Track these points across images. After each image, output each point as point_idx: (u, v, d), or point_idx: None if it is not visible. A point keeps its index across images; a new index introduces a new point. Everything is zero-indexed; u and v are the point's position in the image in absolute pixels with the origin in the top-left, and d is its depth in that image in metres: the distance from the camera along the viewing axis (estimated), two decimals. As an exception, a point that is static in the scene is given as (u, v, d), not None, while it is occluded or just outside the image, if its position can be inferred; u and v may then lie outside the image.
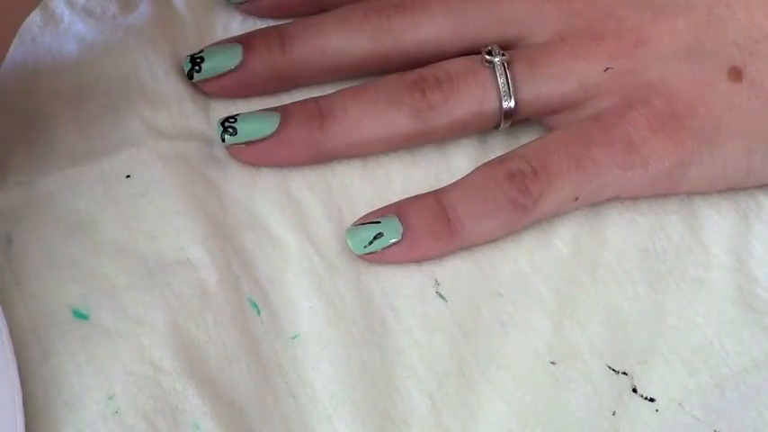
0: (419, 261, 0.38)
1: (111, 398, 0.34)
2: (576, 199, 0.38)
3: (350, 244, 0.37)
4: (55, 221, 0.37)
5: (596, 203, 0.39)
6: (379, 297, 0.37)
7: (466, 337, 0.36)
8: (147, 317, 0.35)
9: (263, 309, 0.37)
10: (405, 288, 0.37)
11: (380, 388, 0.36)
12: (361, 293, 0.37)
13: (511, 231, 0.38)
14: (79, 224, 0.37)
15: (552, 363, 0.36)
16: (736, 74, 0.38)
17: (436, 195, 0.38)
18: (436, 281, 0.37)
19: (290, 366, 0.36)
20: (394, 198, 0.39)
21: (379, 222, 0.37)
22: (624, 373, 0.36)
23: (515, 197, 0.37)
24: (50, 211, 0.37)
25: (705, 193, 0.39)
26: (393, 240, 0.37)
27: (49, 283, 0.35)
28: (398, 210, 0.38)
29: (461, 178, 0.38)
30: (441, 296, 0.37)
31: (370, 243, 0.37)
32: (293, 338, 0.36)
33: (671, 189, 0.39)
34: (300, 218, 0.38)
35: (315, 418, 0.35)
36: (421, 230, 0.37)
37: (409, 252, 0.37)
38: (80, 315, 0.35)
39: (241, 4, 0.42)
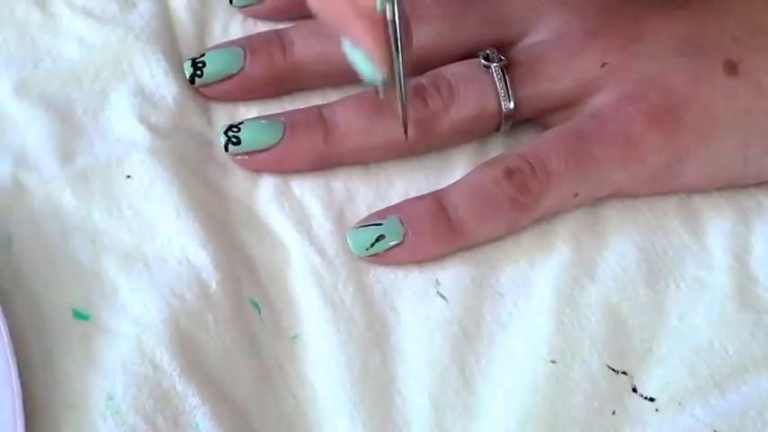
0: (421, 262, 0.38)
1: (111, 398, 0.34)
2: (576, 195, 0.38)
3: (351, 246, 0.37)
4: (55, 222, 0.37)
5: (597, 202, 0.39)
6: (379, 297, 0.37)
7: (466, 337, 0.36)
8: (147, 317, 0.35)
9: (264, 308, 0.37)
10: (405, 288, 0.37)
11: (381, 388, 0.36)
12: (362, 293, 0.37)
13: (511, 230, 0.38)
14: (80, 225, 0.37)
15: (552, 362, 0.36)
16: (732, 67, 0.38)
17: (436, 196, 0.38)
18: (437, 281, 0.37)
19: (290, 366, 0.36)
20: (395, 198, 0.39)
21: (380, 224, 0.37)
22: (624, 373, 0.36)
23: (515, 196, 0.37)
24: (51, 212, 0.37)
25: (704, 190, 0.39)
26: (394, 242, 0.37)
27: (50, 284, 0.36)
28: (399, 211, 0.38)
29: (461, 178, 0.38)
30: (441, 296, 0.37)
31: (372, 245, 0.37)
32: (293, 338, 0.36)
33: (669, 183, 0.39)
34: (301, 218, 0.38)
35: (315, 418, 0.35)
36: (422, 232, 0.37)
37: (411, 254, 0.37)
38: (80, 315, 0.35)
39: (242, 7, 0.42)
